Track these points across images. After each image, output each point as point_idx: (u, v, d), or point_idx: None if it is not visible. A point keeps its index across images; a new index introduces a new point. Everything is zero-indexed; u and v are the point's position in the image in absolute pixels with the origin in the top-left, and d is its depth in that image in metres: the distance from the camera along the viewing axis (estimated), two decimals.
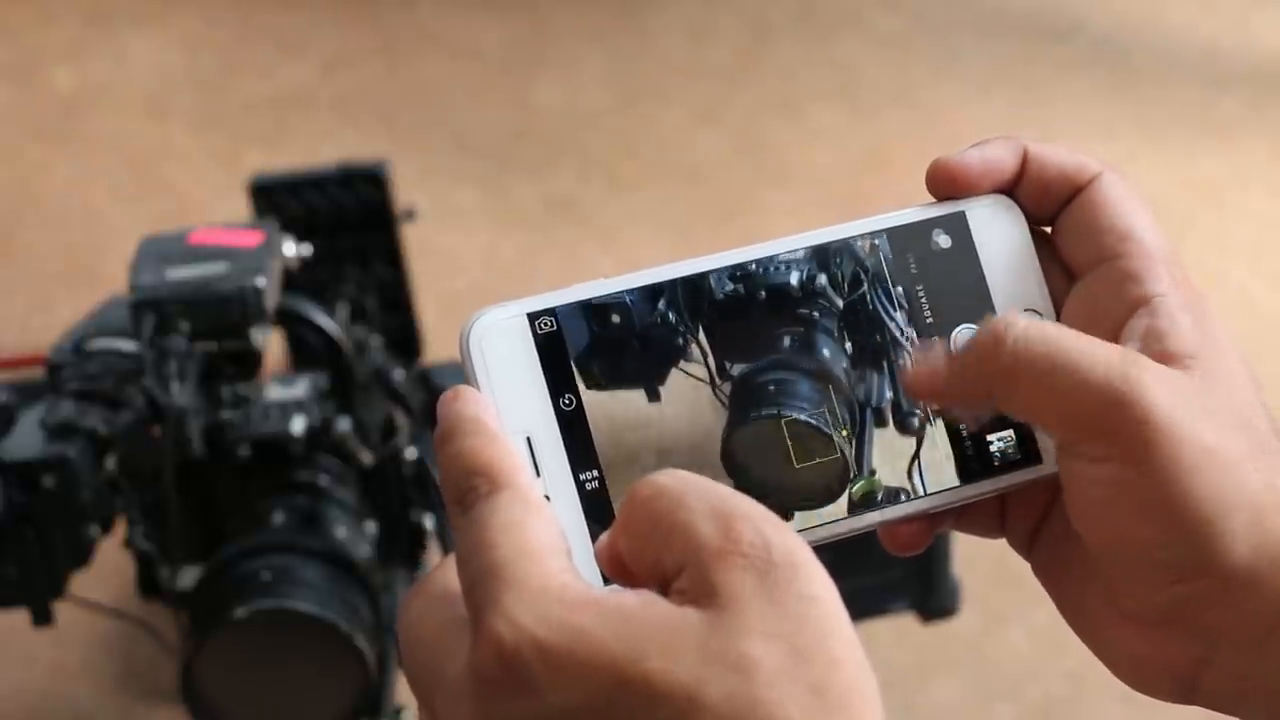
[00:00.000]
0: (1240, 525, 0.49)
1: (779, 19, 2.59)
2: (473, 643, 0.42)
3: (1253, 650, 0.50)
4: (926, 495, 0.53)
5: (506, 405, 0.50)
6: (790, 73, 2.48)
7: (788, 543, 0.42)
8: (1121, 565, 0.51)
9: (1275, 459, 0.51)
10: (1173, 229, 0.55)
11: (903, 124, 2.37)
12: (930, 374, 0.51)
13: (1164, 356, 0.51)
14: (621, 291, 0.51)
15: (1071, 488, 0.51)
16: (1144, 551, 0.50)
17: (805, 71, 2.48)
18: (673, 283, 0.47)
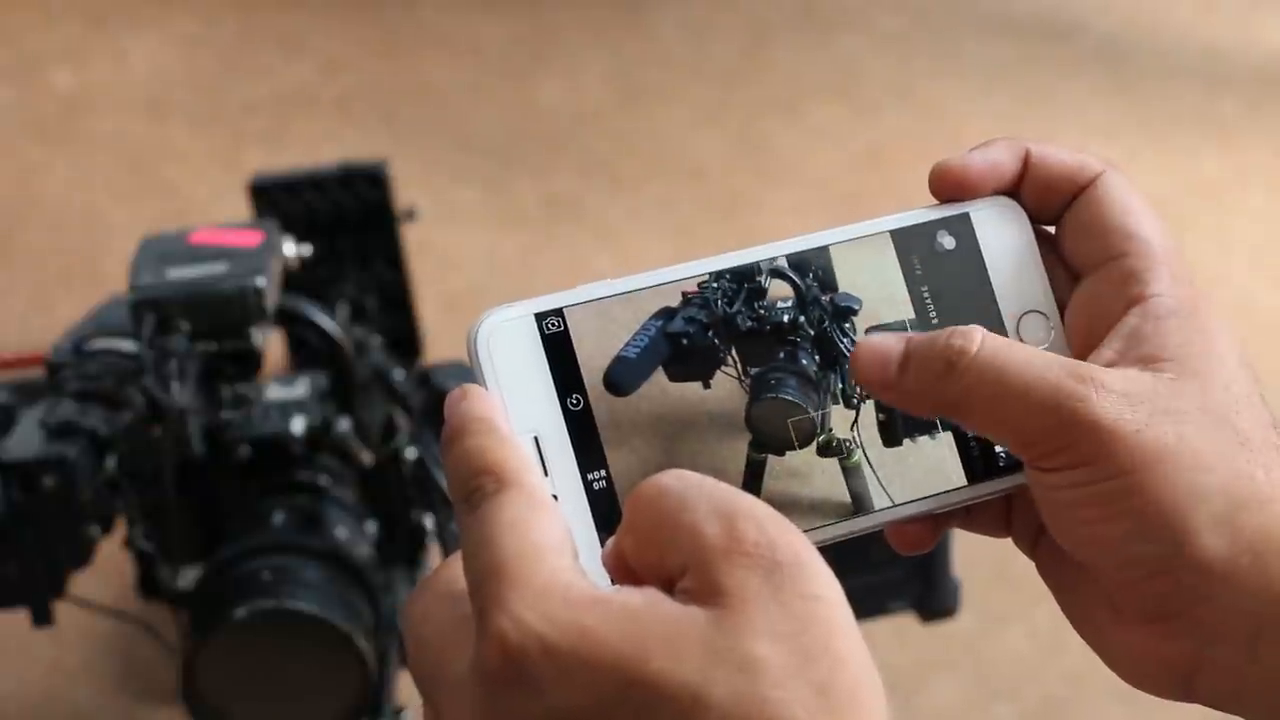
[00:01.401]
0: (1208, 517, 0.50)
1: (780, 18, 2.59)
2: (478, 641, 0.42)
3: (1244, 647, 0.51)
4: (933, 496, 0.54)
5: (514, 405, 0.50)
6: (791, 72, 2.48)
7: (792, 542, 0.42)
8: (1102, 565, 0.52)
9: (1259, 455, 0.51)
10: (1173, 229, 0.55)
11: (903, 123, 2.37)
12: (880, 367, 0.52)
13: (1141, 358, 0.52)
14: (627, 292, 0.51)
15: (1041, 497, 0.52)
16: (1116, 549, 0.51)
17: (806, 71, 2.48)
18: (713, 320, 0.53)
